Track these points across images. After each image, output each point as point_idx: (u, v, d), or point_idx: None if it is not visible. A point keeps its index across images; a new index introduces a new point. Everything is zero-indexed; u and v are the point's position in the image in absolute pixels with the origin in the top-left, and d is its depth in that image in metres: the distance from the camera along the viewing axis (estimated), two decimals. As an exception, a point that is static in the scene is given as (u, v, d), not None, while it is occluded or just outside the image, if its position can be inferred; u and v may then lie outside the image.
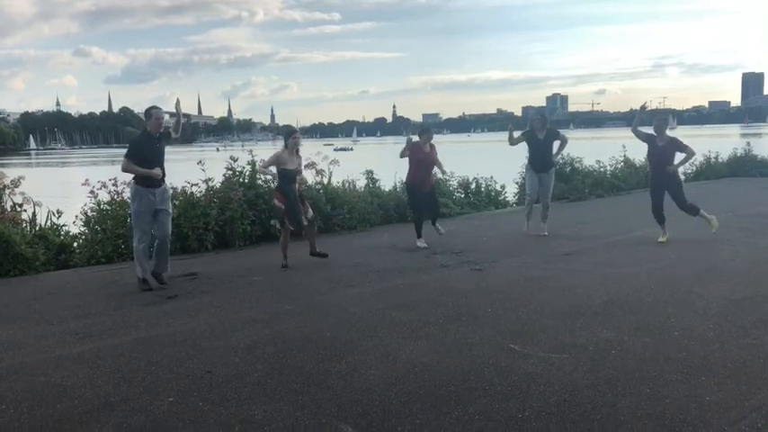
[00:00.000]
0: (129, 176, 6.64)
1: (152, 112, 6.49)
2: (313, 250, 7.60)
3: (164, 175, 6.58)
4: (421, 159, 8.46)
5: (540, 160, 9.01)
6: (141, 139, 6.54)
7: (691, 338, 4.45)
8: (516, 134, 9.27)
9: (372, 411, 3.45)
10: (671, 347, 4.29)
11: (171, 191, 7.21)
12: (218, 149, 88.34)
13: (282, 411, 3.49)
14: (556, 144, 9.26)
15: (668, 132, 8.31)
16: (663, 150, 8.18)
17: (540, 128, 9.00)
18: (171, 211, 6.84)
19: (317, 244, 7.71)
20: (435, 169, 8.85)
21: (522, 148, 9.47)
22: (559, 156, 10.37)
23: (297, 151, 7.43)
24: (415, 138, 8.68)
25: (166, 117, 6.66)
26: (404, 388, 3.74)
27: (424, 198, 8.60)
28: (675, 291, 5.80)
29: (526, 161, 9.38)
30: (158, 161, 6.49)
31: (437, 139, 8.80)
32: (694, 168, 17.60)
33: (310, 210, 7.67)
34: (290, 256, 7.47)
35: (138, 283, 6.51)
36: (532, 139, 9.00)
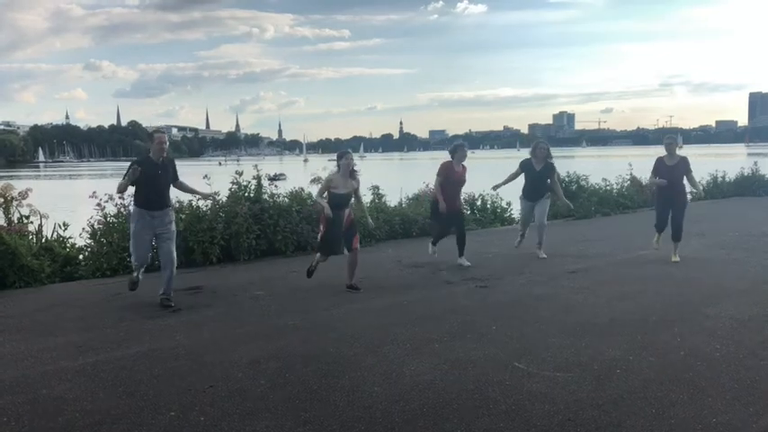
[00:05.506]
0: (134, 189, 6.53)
1: (155, 135, 6.29)
2: (349, 281, 6.90)
3: (168, 204, 6.34)
4: (452, 179, 8.15)
5: (535, 191, 8.73)
6: (140, 161, 6.20)
7: (697, 358, 4.42)
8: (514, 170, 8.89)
9: (375, 428, 3.43)
10: (677, 367, 4.26)
11: (174, 216, 6.64)
12: (220, 164, 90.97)
13: (285, 427, 3.46)
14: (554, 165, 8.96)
15: (678, 151, 8.45)
16: (672, 169, 8.26)
17: (542, 159, 8.66)
18: (173, 236, 6.40)
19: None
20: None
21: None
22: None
23: (352, 173, 6.78)
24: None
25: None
26: (407, 405, 3.72)
27: (450, 218, 8.15)
28: (682, 310, 5.76)
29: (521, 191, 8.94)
30: (158, 185, 6.19)
31: (442, 156, 8.64)
32: (701, 188, 17.55)
33: (357, 241, 6.90)
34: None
35: (129, 284, 6.55)
36: (529, 170, 8.70)
